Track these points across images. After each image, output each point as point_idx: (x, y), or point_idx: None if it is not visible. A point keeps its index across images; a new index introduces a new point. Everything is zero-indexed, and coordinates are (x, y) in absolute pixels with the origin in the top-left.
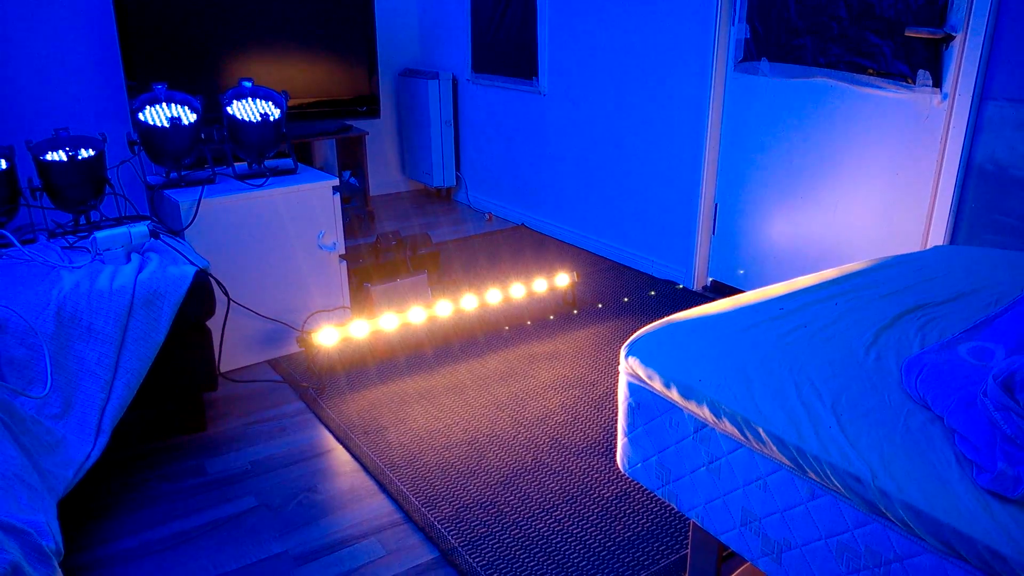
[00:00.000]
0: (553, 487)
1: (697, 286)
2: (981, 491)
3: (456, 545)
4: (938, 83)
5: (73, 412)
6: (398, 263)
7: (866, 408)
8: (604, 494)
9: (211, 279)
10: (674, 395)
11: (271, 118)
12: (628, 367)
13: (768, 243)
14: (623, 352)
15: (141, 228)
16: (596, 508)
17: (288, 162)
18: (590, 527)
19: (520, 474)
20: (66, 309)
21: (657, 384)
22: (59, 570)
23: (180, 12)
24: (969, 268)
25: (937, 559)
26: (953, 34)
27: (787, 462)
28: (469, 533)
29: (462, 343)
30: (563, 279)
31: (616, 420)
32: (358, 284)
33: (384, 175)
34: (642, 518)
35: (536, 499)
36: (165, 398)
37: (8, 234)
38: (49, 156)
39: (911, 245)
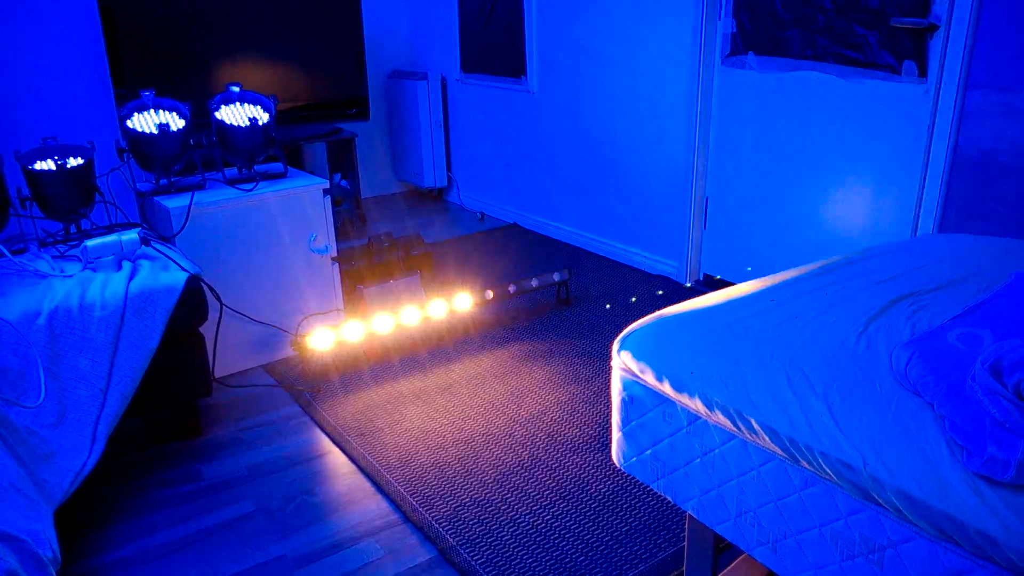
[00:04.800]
0: (549, 483)
1: (689, 280)
2: (972, 475)
3: (454, 544)
4: (923, 73)
5: (68, 421)
6: (391, 264)
7: (857, 396)
8: (600, 489)
9: (203, 285)
10: (667, 388)
11: (259, 122)
12: (621, 362)
13: (759, 235)
14: (615, 347)
15: (132, 236)
16: (593, 503)
17: (278, 166)
18: (587, 522)
19: (516, 471)
20: (58, 318)
21: (650, 378)
22: None
23: (167, 19)
24: (958, 255)
25: (930, 544)
26: (937, 24)
27: (780, 452)
28: (466, 531)
29: (456, 343)
30: (556, 276)
31: (610, 415)
32: (351, 286)
33: (375, 177)
34: (639, 512)
35: (532, 496)
36: (160, 405)
37: None
38: (38, 165)
39: (900, 234)
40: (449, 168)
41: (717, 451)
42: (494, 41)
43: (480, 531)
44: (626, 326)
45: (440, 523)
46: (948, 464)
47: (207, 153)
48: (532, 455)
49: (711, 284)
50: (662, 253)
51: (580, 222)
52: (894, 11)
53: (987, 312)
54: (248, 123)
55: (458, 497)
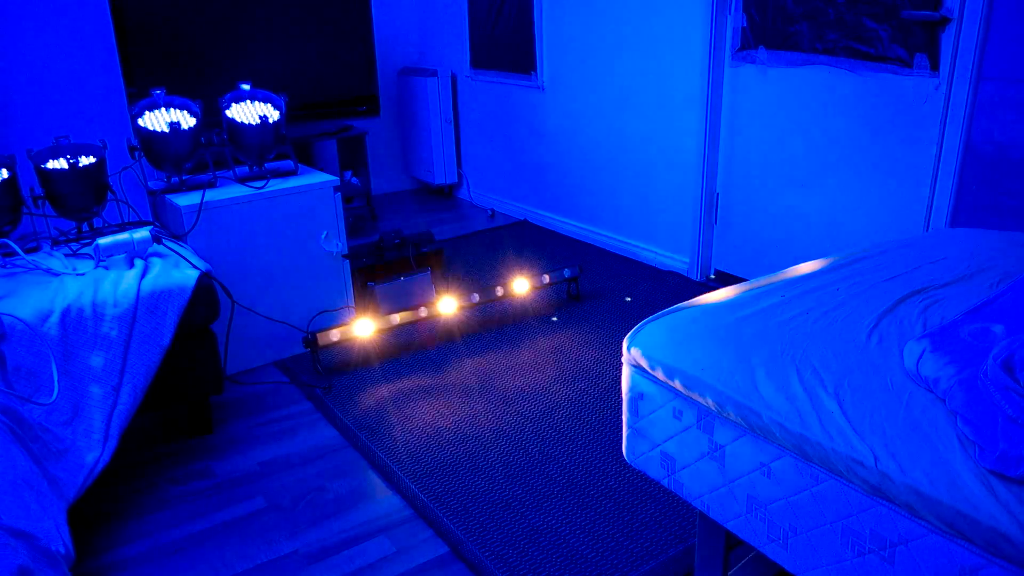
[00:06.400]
0: (560, 479)
1: (700, 276)
2: (984, 472)
3: (465, 539)
4: (935, 66)
5: (81, 418)
6: (401, 261)
7: (868, 392)
8: (611, 485)
9: (215, 282)
10: (677, 384)
11: (270, 120)
12: (631, 358)
13: (770, 231)
14: (626, 343)
15: (144, 234)
16: (603, 499)
17: (289, 163)
18: (597, 518)
19: (527, 467)
20: (71, 316)
21: (660, 374)
22: (69, 574)
23: (177, 17)
24: (971, 250)
25: (942, 540)
26: (949, 16)
27: (790, 448)
28: (477, 527)
29: (466, 339)
30: (566, 273)
31: (621, 411)
32: (362, 283)
33: (385, 174)
34: (649, 508)
35: (543, 491)
36: (172, 402)
37: (12, 243)
38: (50, 164)
39: (913, 229)
40: (459, 165)
41: (727, 447)
42: (504, 37)
43: (491, 526)
44: (636, 322)
45: (451, 519)
46: (960, 460)
47: (218, 151)
48: (542, 451)
49: (722, 280)
50: (672, 249)
51: (590, 218)
52: (905, 4)
53: (1000, 307)
54: (259, 121)
55: (469, 493)
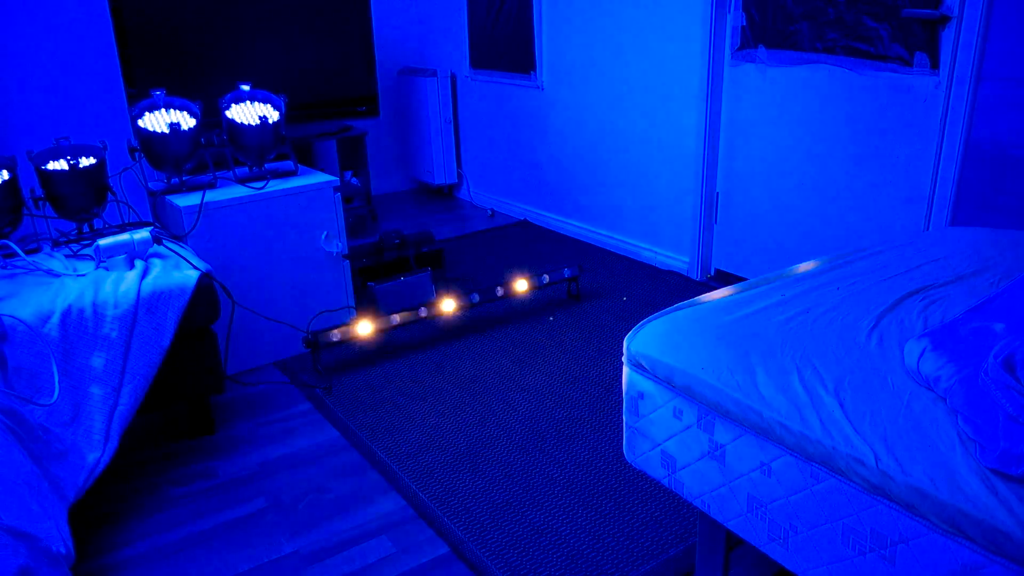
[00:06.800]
0: (560, 479)
1: (701, 276)
2: (985, 470)
3: (466, 539)
4: (936, 65)
5: (81, 419)
6: (401, 262)
7: (869, 391)
8: (611, 484)
9: (215, 283)
10: (677, 384)
11: (270, 121)
12: (631, 357)
13: (770, 230)
14: (626, 343)
15: (144, 234)
16: (603, 498)
17: (289, 164)
18: (598, 517)
19: (527, 467)
20: (72, 317)
21: (660, 373)
22: (70, 574)
23: (177, 18)
24: (971, 249)
25: (943, 539)
26: (949, 15)
27: (791, 447)
28: (478, 527)
29: (466, 340)
30: (566, 272)
31: (621, 411)
32: (362, 284)
33: (385, 174)
34: (650, 507)
35: (543, 491)
36: (173, 402)
37: (12, 244)
38: (50, 165)
39: (913, 227)
40: (459, 165)
41: (727, 447)
42: (503, 37)
43: (491, 526)
44: (637, 322)
45: (452, 519)
46: (961, 459)
47: (218, 152)
48: (542, 451)
49: (722, 279)
50: (673, 248)
51: (590, 218)
52: (905, 2)
53: (1001, 305)
54: (259, 121)
55: (469, 493)
